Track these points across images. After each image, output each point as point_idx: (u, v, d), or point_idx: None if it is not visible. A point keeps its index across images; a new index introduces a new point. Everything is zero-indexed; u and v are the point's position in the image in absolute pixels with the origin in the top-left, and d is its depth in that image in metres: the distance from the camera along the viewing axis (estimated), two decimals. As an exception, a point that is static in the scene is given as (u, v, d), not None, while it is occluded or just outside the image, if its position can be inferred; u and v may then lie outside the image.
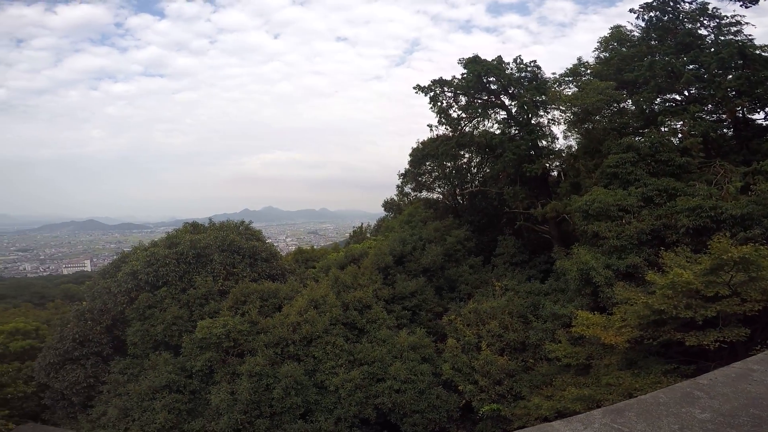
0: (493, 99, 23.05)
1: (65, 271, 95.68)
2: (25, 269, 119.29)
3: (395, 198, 34.88)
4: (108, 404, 15.99)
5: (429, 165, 27.44)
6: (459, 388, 15.37)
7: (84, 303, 19.30)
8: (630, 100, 20.72)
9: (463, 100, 23.19)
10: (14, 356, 19.50)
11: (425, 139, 27.05)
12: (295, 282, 20.16)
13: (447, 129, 23.92)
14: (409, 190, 30.56)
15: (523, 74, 22.64)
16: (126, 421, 15.05)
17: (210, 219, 23.29)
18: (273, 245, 24.51)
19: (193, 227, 22.46)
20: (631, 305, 12.00)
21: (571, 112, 21.04)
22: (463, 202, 27.87)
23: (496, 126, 23.56)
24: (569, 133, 22.88)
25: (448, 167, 26.27)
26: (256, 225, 23.52)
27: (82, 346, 17.72)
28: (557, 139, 23.03)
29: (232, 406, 14.28)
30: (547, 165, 22.38)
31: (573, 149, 22.81)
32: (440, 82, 22.94)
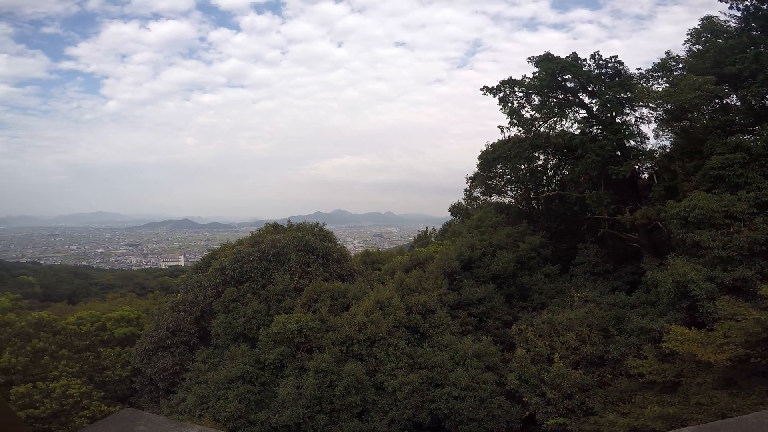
0: (570, 97, 21.57)
1: (163, 265, 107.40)
2: (131, 262, 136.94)
3: (463, 202, 34.19)
4: (188, 391, 16.96)
5: (500, 168, 26.44)
6: (524, 399, 14.74)
7: (179, 295, 21.12)
8: (735, 96, 18.21)
9: (536, 99, 21.91)
10: (117, 342, 21.14)
11: (495, 142, 26.18)
12: (363, 283, 20.54)
13: (519, 130, 22.75)
14: (479, 194, 29.72)
15: (603, 70, 20.92)
16: (201, 408, 15.82)
17: (288, 220, 24.50)
18: (344, 247, 25.20)
19: (274, 228, 23.80)
20: (738, 321, 10.87)
21: (663, 110, 19.01)
22: (538, 206, 26.44)
23: (575, 126, 22.01)
24: (661, 132, 20.68)
25: (522, 170, 25.08)
26: (326, 227, 24.45)
27: (173, 335, 19.18)
28: (647, 138, 20.87)
29: (296, 399, 14.76)
30: (637, 167, 20.37)
31: (667, 149, 20.54)
32: (510, 82, 22.00)
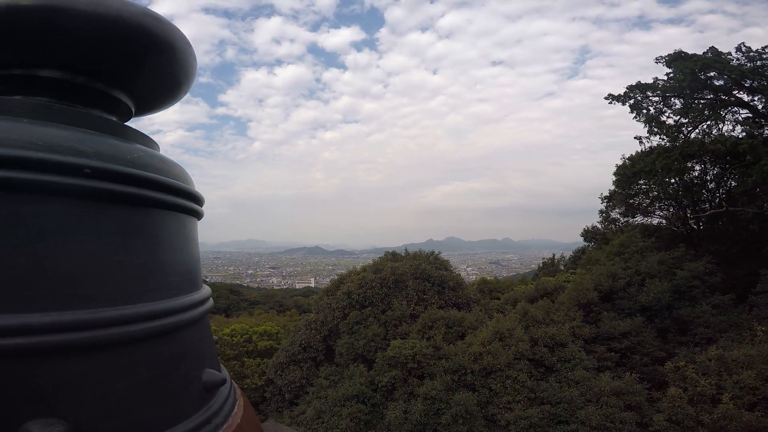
0: (723, 97, 18.01)
1: (297, 286, 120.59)
2: (272, 282, 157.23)
3: (598, 225, 30.31)
4: (309, 404, 17.85)
5: (643, 184, 22.81)
6: (672, 441, 12.00)
7: (311, 315, 23.00)
8: None
9: (677, 103, 19.24)
10: (258, 353, 23.70)
11: (633, 154, 22.79)
12: (480, 312, 19.93)
13: (662, 139, 19.90)
14: (617, 216, 25.97)
15: (758, 63, 17.19)
16: (317, 422, 16.54)
17: (406, 249, 25.38)
18: (459, 275, 24.91)
19: (393, 256, 24.80)
20: None
21: None
22: (698, 227, 21.93)
23: (738, 128, 18.27)
24: None
25: (672, 184, 21.25)
26: (441, 255, 24.58)
27: (304, 350, 20.87)
28: None
29: (402, 424, 14.69)
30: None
31: None
32: (639, 87, 19.52)
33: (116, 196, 0.73)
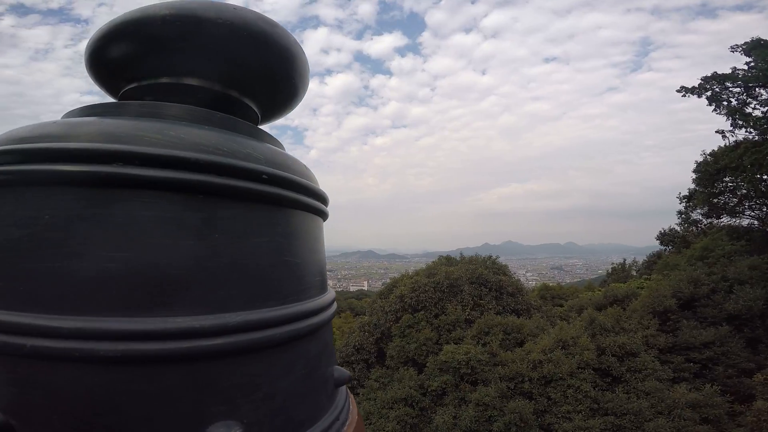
0: None
1: (351, 288, 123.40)
2: (330, 285, 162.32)
3: (677, 227, 27.72)
4: (359, 405, 18.72)
5: (729, 181, 20.47)
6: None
7: (365, 317, 23.53)
8: None
9: (763, 93, 17.40)
10: None
11: (716, 149, 20.60)
12: (541, 319, 19.24)
13: (749, 132, 17.96)
14: (699, 216, 23.48)
15: None
16: (365, 423, 17.17)
17: (461, 252, 25.18)
18: (519, 281, 24.15)
19: (447, 260, 24.64)
20: None
21: None
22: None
23: None
24: None
25: (765, 181, 18.90)
26: (498, 260, 24.02)
27: (357, 352, 21.20)
28: None
29: (450, 429, 14.45)
30: None
31: None
32: (716, 78, 17.85)
33: (282, 199, 0.76)
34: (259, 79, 0.86)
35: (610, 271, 37.96)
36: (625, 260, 36.75)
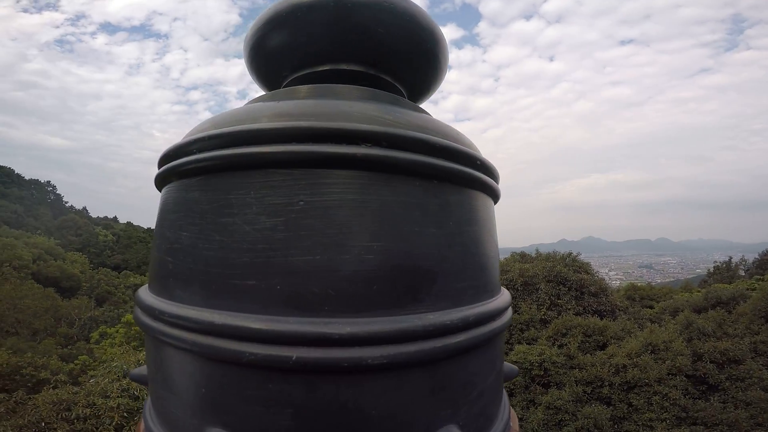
0: None
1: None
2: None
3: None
4: None
5: None
6: None
7: None
8: None
9: None
10: None
11: None
12: (628, 321, 18.05)
13: None
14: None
15: None
16: None
17: (537, 249, 24.33)
18: (603, 280, 22.85)
19: (521, 257, 23.99)
20: None
21: None
22: None
23: None
24: None
25: None
26: (579, 257, 22.90)
27: None
28: None
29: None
30: None
31: None
32: None
33: (486, 186, 0.72)
34: (409, 64, 0.83)
35: (711, 270, 34.41)
36: (730, 258, 33.09)
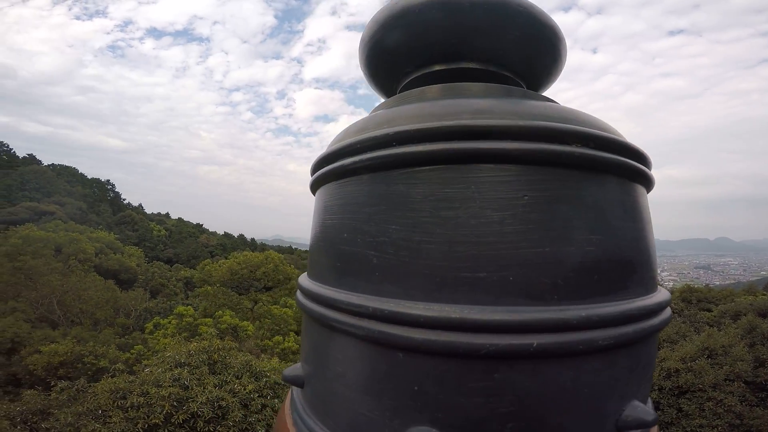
0: None
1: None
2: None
3: None
4: None
5: None
6: None
7: None
8: None
9: None
10: None
11: None
12: (682, 324, 17.42)
13: None
14: None
15: None
16: None
17: None
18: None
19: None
20: None
21: None
22: None
23: None
24: None
25: None
26: None
27: None
28: None
29: None
30: None
31: None
32: None
33: (651, 183, 0.72)
34: (528, 57, 0.81)
35: (780, 271, 31.12)
36: (801, 259, 29.80)
